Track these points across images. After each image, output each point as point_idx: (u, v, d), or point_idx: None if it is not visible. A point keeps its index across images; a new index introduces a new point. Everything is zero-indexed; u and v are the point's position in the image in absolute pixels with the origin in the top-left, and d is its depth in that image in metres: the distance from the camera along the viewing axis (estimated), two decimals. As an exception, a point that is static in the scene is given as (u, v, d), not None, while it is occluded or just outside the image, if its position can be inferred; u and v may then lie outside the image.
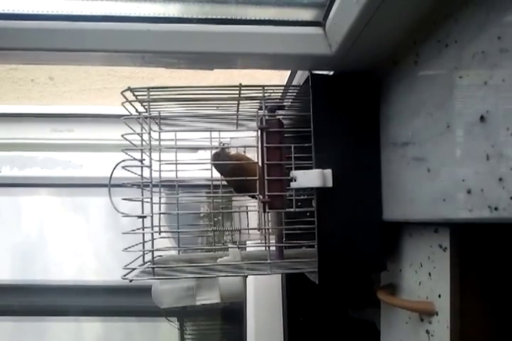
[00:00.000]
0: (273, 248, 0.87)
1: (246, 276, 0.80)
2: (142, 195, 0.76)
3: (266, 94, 0.75)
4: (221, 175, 0.87)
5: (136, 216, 0.75)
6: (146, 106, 0.76)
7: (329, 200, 0.71)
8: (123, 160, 0.76)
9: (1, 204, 1.50)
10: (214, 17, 0.67)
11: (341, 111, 0.73)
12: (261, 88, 0.74)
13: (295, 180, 0.71)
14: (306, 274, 0.79)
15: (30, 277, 1.48)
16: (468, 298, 0.59)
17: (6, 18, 0.64)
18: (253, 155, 0.85)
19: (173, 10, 0.68)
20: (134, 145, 0.77)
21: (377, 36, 0.61)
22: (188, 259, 0.91)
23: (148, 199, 0.74)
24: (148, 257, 0.76)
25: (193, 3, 0.68)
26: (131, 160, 0.77)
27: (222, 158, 0.83)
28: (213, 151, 0.84)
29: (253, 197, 0.89)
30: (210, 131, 0.88)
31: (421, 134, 0.60)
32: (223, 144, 0.87)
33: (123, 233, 0.75)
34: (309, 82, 0.72)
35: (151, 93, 0.74)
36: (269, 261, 0.73)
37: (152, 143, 0.76)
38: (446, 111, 0.53)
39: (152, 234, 0.74)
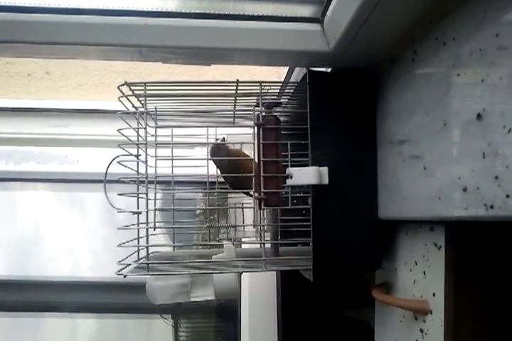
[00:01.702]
0: (268, 245, 0.87)
1: (241, 273, 0.80)
2: (138, 190, 0.76)
3: (263, 91, 0.75)
4: (218, 168, 0.87)
5: (131, 211, 0.74)
6: (143, 102, 0.75)
7: (325, 198, 0.71)
8: (119, 156, 0.76)
9: (-3, 199, 1.50)
10: (212, 12, 0.67)
11: (338, 109, 0.73)
12: (258, 84, 0.74)
13: (291, 177, 0.71)
14: (301, 272, 0.79)
15: (25, 273, 1.48)
16: (462, 296, 0.59)
17: (2, 10, 0.64)
18: (249, 152, 0.85)
19: (171, 4, 0.67)
20: (130, 140, 0.76)
21: (375, 33, 0.61)
22: (182, 256, 0.91)
23: (144, 195, 0.74)
24: (143, 253, 0.75)
25: (191, -2, 0.68)
26: (127, 155, 0.76)
27: (221, 152, 0.83)
28: (212, 145, 0.84)
29: (248, 194, 0.89)
30: (207, 126, 0.88)
31: (417, 132, 0.60)
32: (223, 138, 0.86)
33: (118, 228, 0.75)
34: (307, 78, 0.72)
35: (148, 88, 0.74)
36: (264, 258, 0.73)
37: (148, 138, 0.75)
38: (442, 109, 0.53)
39: (147, 229, 0.73)
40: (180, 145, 0.87)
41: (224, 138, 0.86)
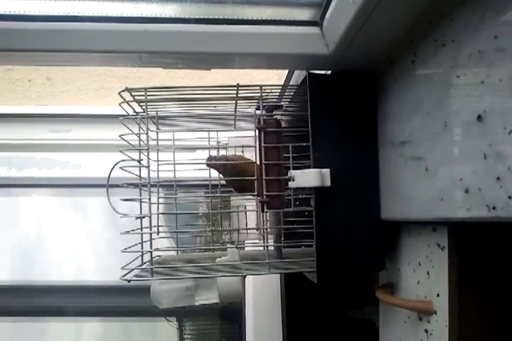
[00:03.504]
0: (271, 248, 0.87)
1: (244, 276, 0.80)
2: (140, 195, 0.76)
3: (263, 94, 0.75)
4: (221, 174, 0.87)
5: (134, 216, 0.75)
6: (144, 107, 0.76)
7: (327, 200, 0.71)
8: (121, 161, 0.76)
9: (0, 205, 1.50)
10: (211, 17, 0.67)
11: (339, 111, 0.73)
12: (258, 88, 0.74)
13: (293, 180, 0.71)
14: (305, 274, 0.79)
15: (29, 277, 1.48)
16: (466, 296, 0.59)
17: (3, 19, 0.64)
18: (251, 155, 0.85)
19: (170, 10, 0.68)
20: (132, 145, 0.76)
21: (374, 36, 0.62)
22: (186, 259, 0.91)
23: (147, 200, 0.74)
24: (146, 257, 0.75)
25: (190, 4, 0.68)
26: (129, 160, 0.76)
27: (218, 160, 0.83)
28: (209, 153, 0.84)
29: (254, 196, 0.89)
30: (208, 131, 0.88)
31: (418, 133, 0.60)
32: (226, 144, 0.86)
33: (121, 233, 0.75)
34: (307, 81, 0.72)
35: (149, 93, 0.74)
36: (267, 261, 0.73)
37: (150, 143, 0.76)
38: (443, 110, 0.53)
39: (151, 234, 0.74)
40: (182, 149, 0.87)
41: (226, 144, 0.86)
